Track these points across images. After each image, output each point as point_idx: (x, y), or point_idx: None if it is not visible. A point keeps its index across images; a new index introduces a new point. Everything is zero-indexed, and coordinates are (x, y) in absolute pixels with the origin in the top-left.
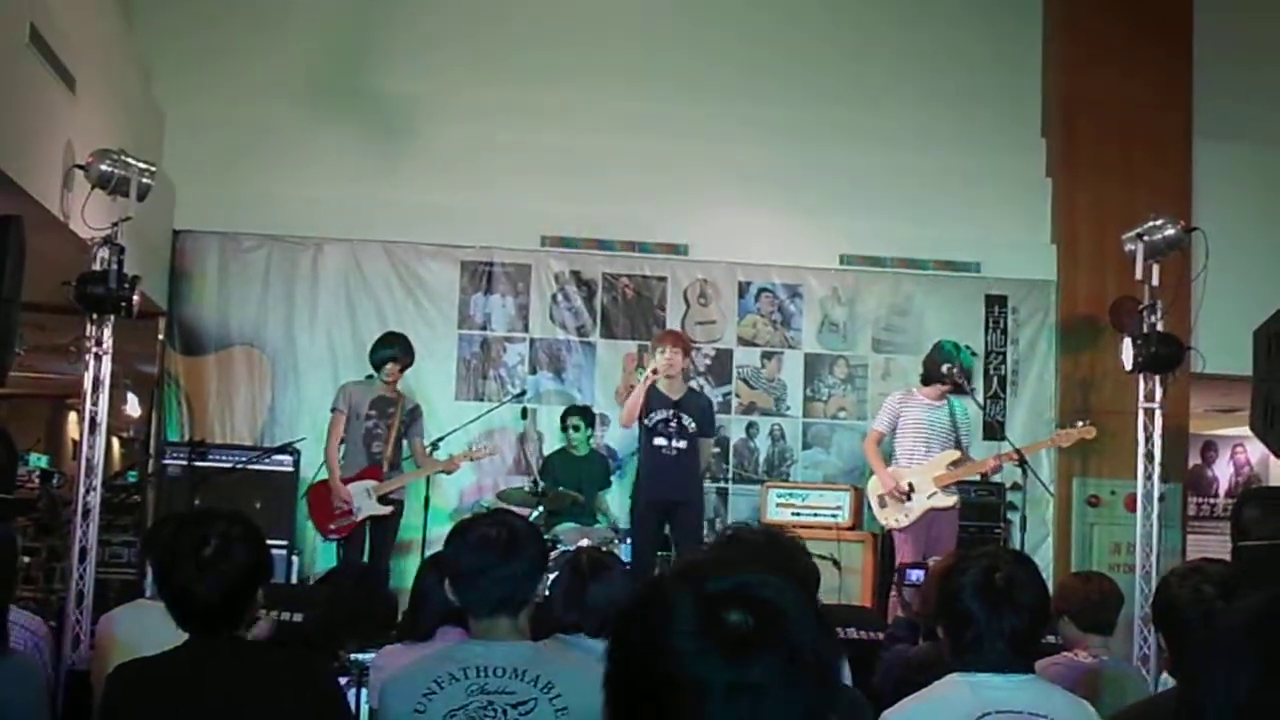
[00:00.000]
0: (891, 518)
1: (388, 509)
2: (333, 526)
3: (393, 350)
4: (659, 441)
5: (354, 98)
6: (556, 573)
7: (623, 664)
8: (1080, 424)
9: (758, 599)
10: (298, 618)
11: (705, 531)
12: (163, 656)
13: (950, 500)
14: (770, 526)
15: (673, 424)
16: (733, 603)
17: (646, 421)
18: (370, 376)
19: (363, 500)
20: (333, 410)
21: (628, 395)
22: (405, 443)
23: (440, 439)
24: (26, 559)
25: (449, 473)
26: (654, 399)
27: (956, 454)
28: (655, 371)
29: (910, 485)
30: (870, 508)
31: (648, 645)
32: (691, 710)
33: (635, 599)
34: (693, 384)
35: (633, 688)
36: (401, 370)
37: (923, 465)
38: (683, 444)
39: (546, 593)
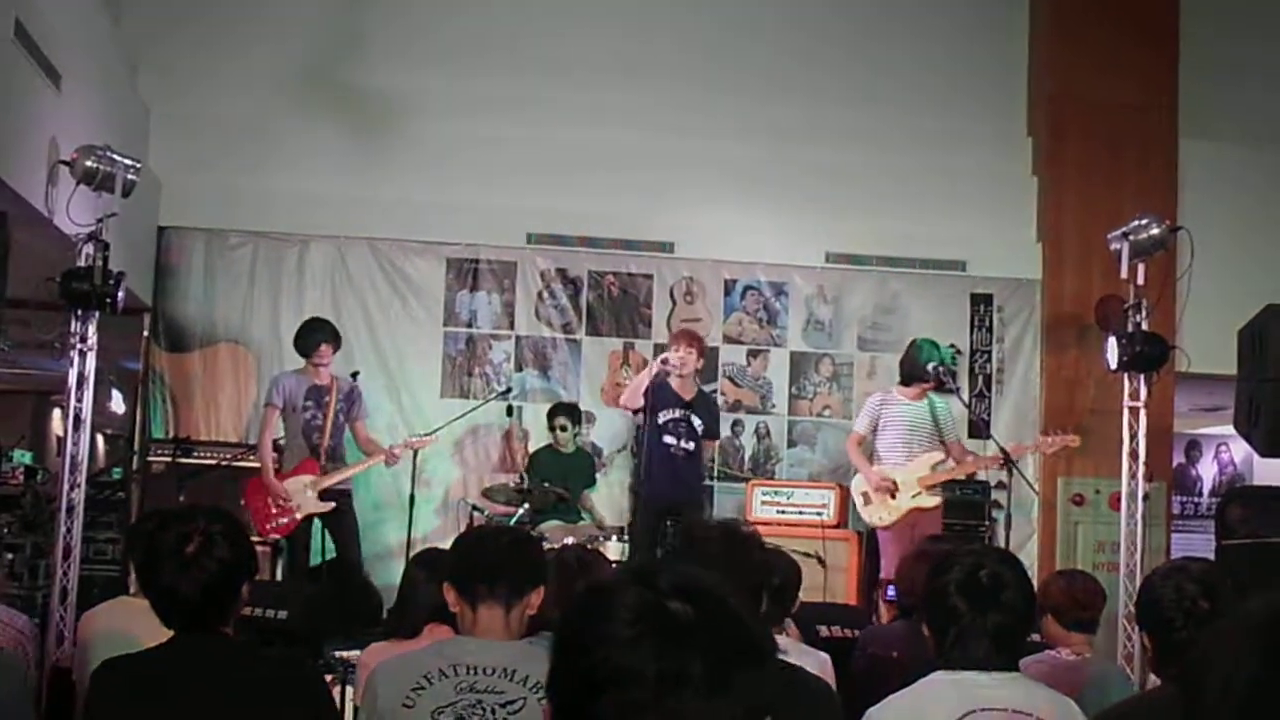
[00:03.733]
0: (875, 516)
1: (329, 505)
2: (270, 526)
3: (323, 334)
4: (669, 440)
5: (340, 94)
6: None
7: (562, 657)
8: (1065, 433)
9: (701, 592)
10: (281, 615)
11: None
12: (148, 653)
13: (934, 501)
14: (724, 521)
15: (683, 424)
16: (675, 595)
17: (657, 419)
18: (302, 367)
19: (301, 497)
20: (266, 405)
21: (614, 393)
22: (349, 427)
23: (426, 435)
24: (10, 555)
25: (389, 464)
26: (667, 397)
27: (940, 454)
28: (664, 362)
29: (894, 483)
30: (854, 506)
31: (586, 635)
32: (621, 700)
33: (577, 596)
34: (703, 386)
35: (569, 684)
36: (333, 353)
37: (906, 465)
38: (691, 445)
39: None
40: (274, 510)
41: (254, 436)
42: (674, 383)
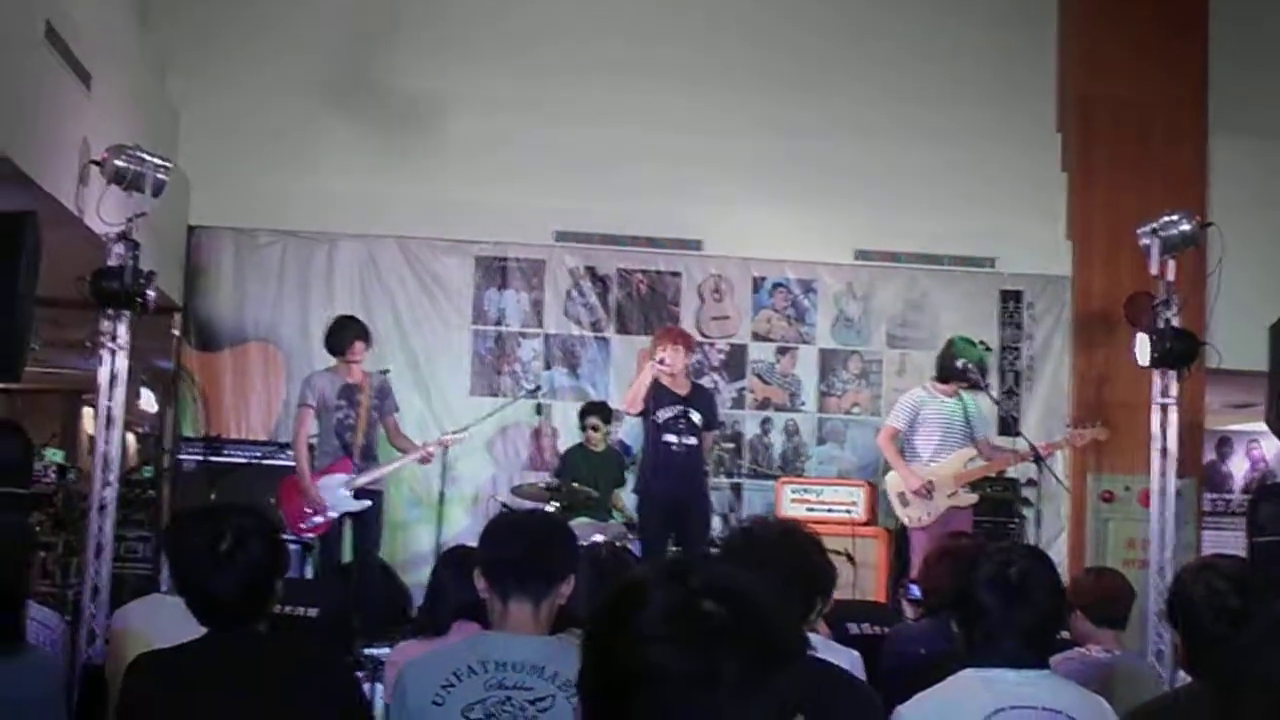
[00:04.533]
0: (914, 515)
1: (365, 504)
2: (304, 526)
3: (355, 330)
4: (669, 438)
5: (369, 93)
6: None
7: (593, 655)
8: (1094, 426)
9: (734, 591)
10: (312, 612)
11: (716, 528)
12: (182, 648)
13: (971, 499)
14: (786, 521)
15: (682, 421)
16: (708, 594)
17: (656, 419)
18: (334, 366)
19: (335, 497)
20: (301, 405)
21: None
22: (380, 423)
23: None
24: (43, 554)
25: (425, 462)
26: (662, 396)
27: (973, 452)
28: (662, 363)
29: (932, 484)
30: (883, 503)
31: (617, 634)
32: (653, 699)
33: (608, 591)
34: (706, 381)
35: (600, 682)
36: (365, 349)
37: (942, 463)
38: (692, 440)
39: None
40: (308, 510)
41: (284, 435)
42: (666, 381)
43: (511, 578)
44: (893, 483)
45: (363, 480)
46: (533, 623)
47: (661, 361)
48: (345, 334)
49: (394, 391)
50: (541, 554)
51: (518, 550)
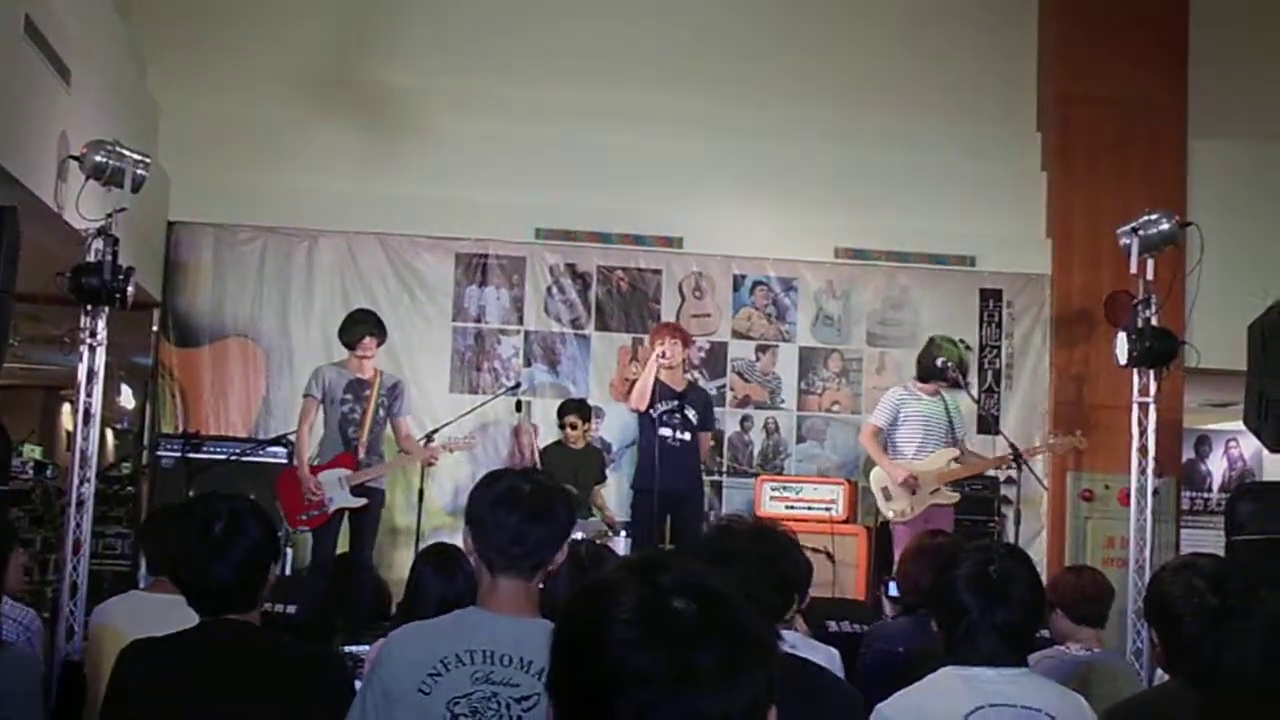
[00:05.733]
0: (897, 510)
1: (362, 500)
2: (303, 518)
3: (367, 325)
4: (664, 432)
5: (349, 90)
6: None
7: (564, 661)
8: (1074, 435)
9: (703, 588)
10: (290, 609)
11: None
12: (174, 636)
13: (953, 497)
14: (761, 519)
15: (677, 415)
16: (677, 592)
17: (651, 412)
18: (344, 360)
19: (334, 490)
20: (305, 395)
21: (624, 388)
22: (390, 423)
23: (434, 431)
24: (20, 550)
25: (429, 464)
26: (658, 390)
27: (956, 451)
28: (663, 355)
29: (917, 478)
30: (863, 501)
31: (588, 638)
32: (633, 703)
33: (576, 593)
34: (689, 376)
35: (574, 686)
36: (377, 346)
37: (925, 461)
38: (687, 435)
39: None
40: (306, 503)
41: (263, 432)
42: (664, 375)
43: (504, 556)
44: (877, 478)
45: (362, 477)
46: (524, 598)
47: (663, 355)
48: (355, 328)
49: (405, 394)
50: (537, 533)
51: (512, 529)
